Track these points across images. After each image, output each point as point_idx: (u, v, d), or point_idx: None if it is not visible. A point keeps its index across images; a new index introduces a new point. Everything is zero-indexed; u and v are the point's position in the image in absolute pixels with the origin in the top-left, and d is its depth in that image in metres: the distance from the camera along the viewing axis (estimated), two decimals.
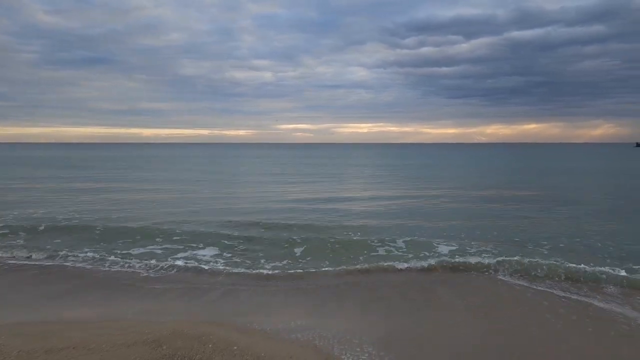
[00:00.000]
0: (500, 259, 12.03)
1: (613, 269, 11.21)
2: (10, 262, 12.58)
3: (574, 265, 11.50)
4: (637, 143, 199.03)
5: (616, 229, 16.87)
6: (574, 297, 9.74)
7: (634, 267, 11.67)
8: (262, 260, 12.80)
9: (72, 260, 12.73)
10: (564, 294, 9.90)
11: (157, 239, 15.28)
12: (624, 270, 11.11)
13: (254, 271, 11.76)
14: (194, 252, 13.66)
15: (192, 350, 6.39)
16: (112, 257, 12.92)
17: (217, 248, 14.20)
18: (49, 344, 6.63)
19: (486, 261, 11.99)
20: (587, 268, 11.25)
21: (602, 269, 11.22)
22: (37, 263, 12.53)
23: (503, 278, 11.09)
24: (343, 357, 6.86)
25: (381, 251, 13.87)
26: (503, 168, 58.56)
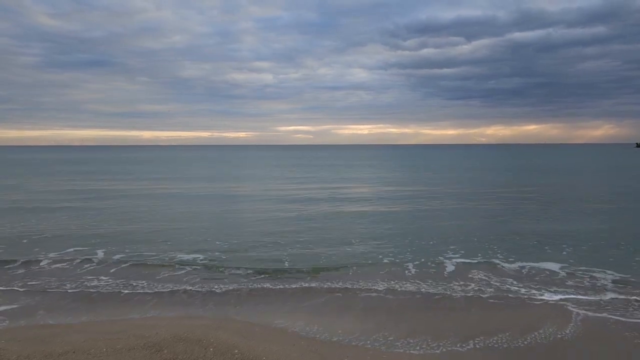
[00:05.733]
0: None
1: None
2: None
3: None
4: (637, 143, 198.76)
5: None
6: None
7: None
8: (261, 266, 12.76)
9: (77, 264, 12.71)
10: None
11: (159, 244, 15.25)
12: None
13: (252, 276, 11.71)
14: (194, 257, 13.60)
15: (192, 354, 6.33)
16: (116, 260, 12.91)
17: (215, 254, 14.16)
18: (48, 348, 6.57)
19: None
20: None
21: None
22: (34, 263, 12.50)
23: None
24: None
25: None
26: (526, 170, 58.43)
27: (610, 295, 9.93)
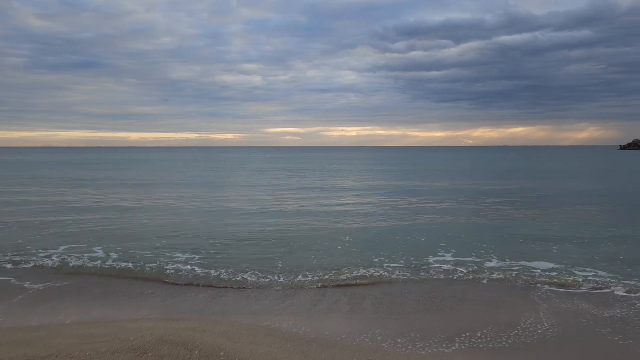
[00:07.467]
0: None
1: None
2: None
3: None
4: (620, 146, 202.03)
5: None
6: None
7: None
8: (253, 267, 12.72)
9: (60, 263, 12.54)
10: None
11: (148, 244, 15.12)
12: None
13: (240, 277, 11.67)
14: (185, 258, 13.51)
15: (178, 358, 6.28)
16: (99, 262, 12.77)
17: (203, 254, 14.08)
18: (31, 352, 6.46)
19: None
20: None
21: None
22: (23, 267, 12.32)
23: None
24: None
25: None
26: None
27: (598, 294, 10.13)
